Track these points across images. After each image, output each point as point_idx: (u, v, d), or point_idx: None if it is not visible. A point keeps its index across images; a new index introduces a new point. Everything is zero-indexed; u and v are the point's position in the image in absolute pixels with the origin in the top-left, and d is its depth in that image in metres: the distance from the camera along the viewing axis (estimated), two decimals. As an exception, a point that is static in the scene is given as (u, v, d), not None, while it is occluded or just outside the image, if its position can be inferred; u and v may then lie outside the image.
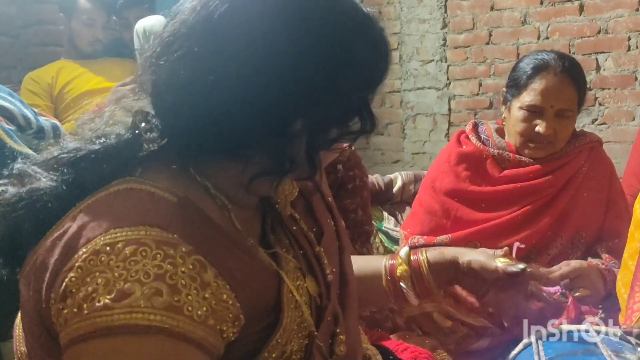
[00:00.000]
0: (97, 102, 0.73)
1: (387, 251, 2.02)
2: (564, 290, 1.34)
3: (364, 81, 0.70)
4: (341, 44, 0.66)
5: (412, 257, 0.95)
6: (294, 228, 0.80)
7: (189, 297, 0.59)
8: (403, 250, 0.96)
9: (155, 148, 0.67)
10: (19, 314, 0.69)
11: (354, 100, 0.69)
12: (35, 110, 1.48)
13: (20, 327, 0.69)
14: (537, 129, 1.48)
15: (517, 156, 1.56)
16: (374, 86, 0.73)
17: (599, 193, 1.54)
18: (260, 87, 0.63)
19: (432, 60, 3.32)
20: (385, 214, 2.18)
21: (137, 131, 0.68)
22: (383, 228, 2.08)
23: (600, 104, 2.82)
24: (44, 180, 0.67)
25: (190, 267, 0.60)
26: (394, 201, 2.24)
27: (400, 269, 0.95)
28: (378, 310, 1.38)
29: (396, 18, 3.42)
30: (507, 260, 0.91)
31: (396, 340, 1.28)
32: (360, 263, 0.98)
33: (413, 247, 1.60)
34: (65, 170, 0.67)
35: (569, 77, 1.47)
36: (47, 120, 1.44)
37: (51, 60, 2.54)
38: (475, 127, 1.65)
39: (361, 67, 0.68)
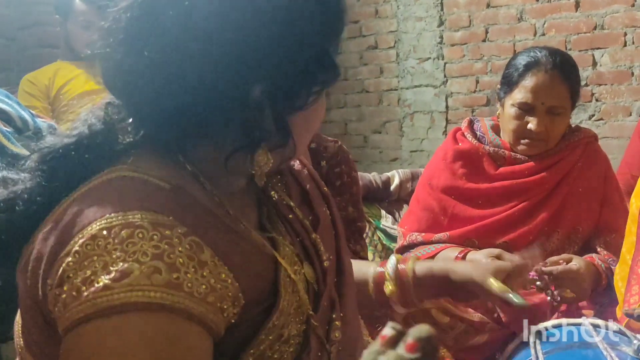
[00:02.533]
0: (94, 103, 0.74)
1: (385, 249, 2.03)
2: (539, 283, 1.34)
3: (317, 34, 0.66)
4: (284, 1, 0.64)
5: (399, 266, 0.94)
6: (290, 216, 0.80)
7: (188, 275, 0.60)
8: (391, 259, 0.95)
9: (133, 138, 0.68)
10: (18, 311, 0.70)
11: (310, 56, 0.66)
12: (33, 112, 1.49)
13: (20, 322, 0.69)
14: (529, 126, 1.49)
15: (513, 153, 1.57)
16: (330, 37, 0.69)
17: (594, 188, 1.54)
18: (207, 59, 0.62)
19: (429, 58, 3.32)
20: (383, 211, 2.18)
21: (109, 121, 0.69)
22: (381, 226, 2.09)
23: (597, 100, 2.83)
24: (24, 179, 0.67)
25: (187, 247, 0.61)
26: (391, 199, 2.24)
27: (387, 274, 0.94)
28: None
29: (393, 16, 3.42)
30: (502, 286, 0.87)
31: (395, 337, 1.28)
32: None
33: (406, 250, 1.62)
34: (44, 166, 0.67)
35: (560, 73, 1.47)
36: (44, 122, 1.44)
37: (48, 62, 2.54)
38: (471, 124, 1.66)
39: (311, 20, 0.66)
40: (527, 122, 1.50)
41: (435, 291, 0.96)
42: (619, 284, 1.23)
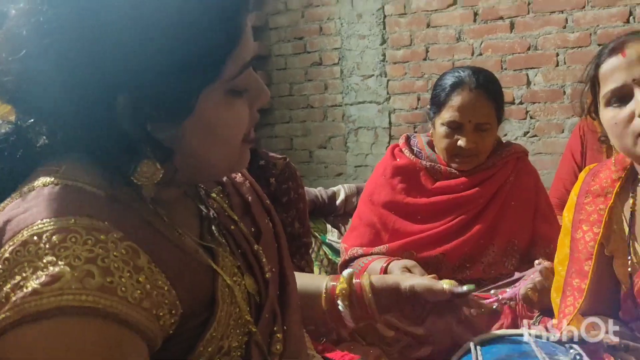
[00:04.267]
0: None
1: (331, 263, 2.04)
2: (496, 306, 1.39)
3: (191, 41, 0.63)
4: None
5: (354, 280, 0.96)
6: (232, 227, 0.80)
7: (122, 280, 0.58)
8: (346, 273, 0.97)
9: (50, 141, 0.67)
10: None
11: (184, 62, 0.63)
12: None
13: None
14: (459, 143, 1.56)
15: (448, 168, 1.63)
16: (212, 44, 0.64)
17: (526, 201, 1.61)
18: (75, 68, 0.62)
19: (373, 75, 3.38)
20: (329, 226, 2.20)
21: (20, 125, 0.67)
22: (327, 240, 2.11)
23: (531, 117, 2.95)
24: None
25: (123, 251, 0.60)
26: (337, 213, 2.27)
27: (340, 287, 0.95)
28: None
29: (337, 34, 3.47)
30: (452, 282, 0.93)
31: (341, 352, 1.29)
32: (302, 280, 0.98)
33: (347, 264, 1.64)
34: None
35: (483, 92, 1.53)
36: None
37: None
38: (408, 140, 1.72)
39: (184, 29, 0.62)
40: (457, 140, 1.56)
41: (387, 301, 0.98)
42: (553, 295, 1.28)
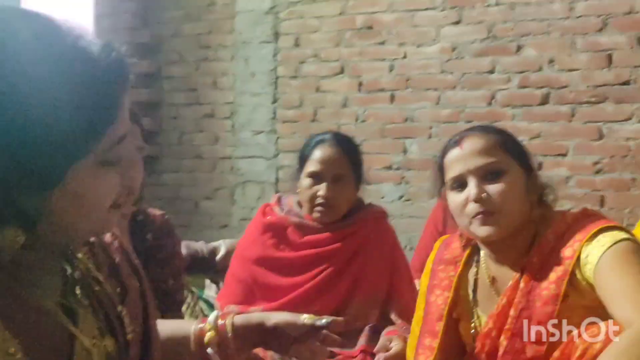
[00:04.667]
0: None
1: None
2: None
3: (52, 116, 0.63)
4: None
5: (219, 322, 0.99)
6: (97, 288, 0.81)
7: None
8: (212, 315, 1.01)
9: None
10: None
11: (46, 136, 0.63)
12: None
13: None
14: (319, 192, 1.73)
15: (314, 224, 1.77)
16: (79, 117, 0.65)
17: (384, 258, 1.78)
18: None
19: (263, 131, 3.49)
20: (207, 281, 2.20)
21: None
22: (204, 296, 2.11)
23: (406, 183, 3.18)
24: None
25: None
26: (217, 269, 2.27)
27: (209, 335, 0.99)
28: None
29: (230, 89, 3.56)
30: (312, 315, 1.00)
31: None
32: (171, 326, 1.00)
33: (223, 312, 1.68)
34: None
35: (341, 148, 1.77)
36: None
37: None
38: (279, 200, 1.86)
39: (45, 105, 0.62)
40: (318, 190, 1.73)
41: (251, 340, 1.01)
42: (408, 354, 1.39)
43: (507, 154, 1.24)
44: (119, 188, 0.75)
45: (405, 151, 3.18)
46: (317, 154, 1.75)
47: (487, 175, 1.23)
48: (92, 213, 0.72)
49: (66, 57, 0.66)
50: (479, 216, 1.21)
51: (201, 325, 1.00)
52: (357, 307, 1.72)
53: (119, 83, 0.71)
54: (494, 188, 1.21)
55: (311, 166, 1.74)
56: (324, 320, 0.99)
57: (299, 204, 1.82)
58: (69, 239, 0.75)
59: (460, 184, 1.25)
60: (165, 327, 0.94)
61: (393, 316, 1.72)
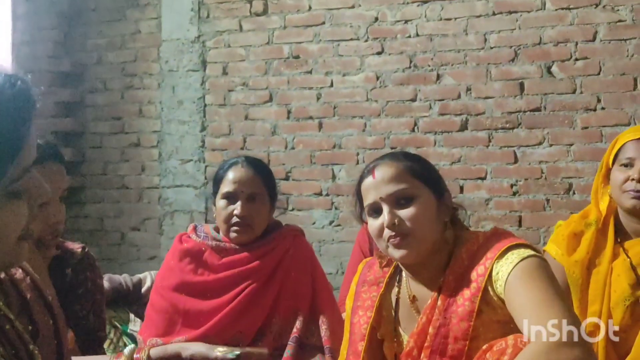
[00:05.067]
0: None
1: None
2: None
3: None
4: None
5: (135, 356, 0.97)
6: (7, 327, 0.78)
7: None
8: (127, 349, 0.98)
9: None
10: None
11: None
12: None
13: None
14: (234, 212, 1.75)
15: (232, 245, 1.79)
16: None
17: (304, 272, 1.81)
18: None
19: (191, 160, 3.45)
20: (132, 315, 2.14)
21: None
22: (128, 330, 2.04)
23: (336, 208, 3.23)
24: None
25: None
26: (142, 302, 2.21)
27: None
28: None
29: (157, 117, 3.51)
30: (225, 348, 1.00)
31: None
32: None
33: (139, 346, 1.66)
34: None
35: (253, 168, 1.81)
36: None
37: None
38: (195, 228, 1.86)
39: None
40: (233, 209, 1.75)
41: None
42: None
43: (417, 180, 1.29)
44: (27, 219, 0.73)
45: (334, 177, 3.24)
46: (231, 175, 1.78)
47: (398, 201, 1.28)
48: (1, 244, 0.71)
49: None
50: (393, 240, 1.27)
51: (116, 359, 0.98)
52: (281, 323, 1.74)
53: (23, 114, 0.70)
54: (405, 213, 1.26)
55: (225, 187, 1.77)
56: (235, 352, 0.99)
57: (216, 230, 1.84)
58: None
59: (375, 210, 1.30)
60: None
61: (322, 334, 1.74)
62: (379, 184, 1.28)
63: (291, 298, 1.76)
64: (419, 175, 1.30)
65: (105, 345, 1.77)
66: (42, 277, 0.89)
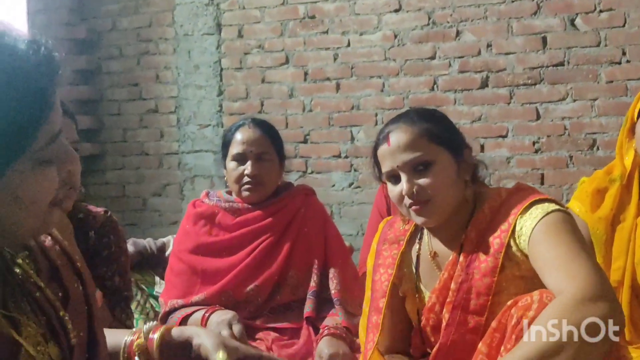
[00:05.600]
0: None
1: (158, 316, 2.01)
2: None
3: None
4: None
5: (150, 336, 0.97)
6: (37, 294, 0.79)
7: None
8: (146, 326, 0.98)
9: None
10: None
11: None
12: None
13: None
14: (245, 172, 1.79)
15: (245, 205, 1.82)
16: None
17: (317, 229, 1.85)
18: None
19: (209, 124, 3.45)
20: (157, 278, 2.18)
21: None
22: (154, 293, 2.08)
23: (355, 170, 3.22)
24: None
25: None
26: (166, 264, 2.24)
27: (137, 342, 0.96)
28: None
29: (173, 82, 3.50)
30: (226, 356, 0.95)
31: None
32: (109, 337, 0.98)
33: (168, 316, 1.69)
34: None
35: (260, 128, 1.84)
36: None
37: None
38: (207, 193, 1.92)
39: None
40: (244, 169, 1.79)
41: (175, 357, 0.97)
42: (361, 334, 1.42)
43: (433, 143, 1.27)
44: (58, 185, 0.74)
45: (352, 139, 3.21)
46: (239, 136, 1.81)
47: (416, 168, 1.26)
48: (33, 212, 0.72)
49: None
50: (414, 207, 1.26)
51: (131, 338, 0.98)
52: (297, 277, 1.78)
53: (49, 80, 0.70)
54: (424, 181, 1.25)
55: (234, 149, 1.81)
56: None
57: (228, 193, 1.88)
58: (11, 241, 0.75)
59: (393, 176, 1.28)
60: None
61: (332, 287, 1.78)
62: (394, 151, 1.26)
63: (305, 253, 1.80)
64: (436, 138, 1.27)
65: (133, 307, 1.82)
66: (70, 244, 0.90)
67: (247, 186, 1.79)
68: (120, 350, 0.96)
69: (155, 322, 0.99)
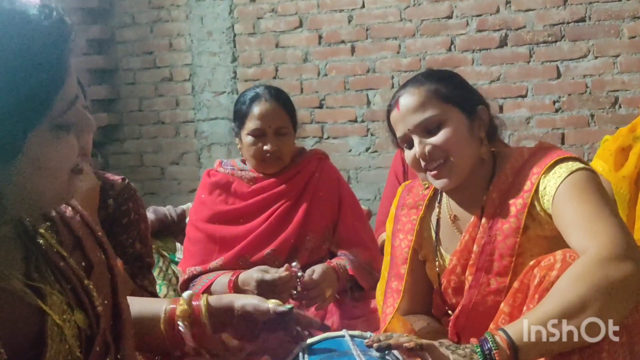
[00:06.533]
0: None
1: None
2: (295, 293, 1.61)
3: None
4: None
5: (193, 303, 0.99)
6: (61, 264, 0.80)
7: None
8: (186, 293, 1.01)
9: None
10: None
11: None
12: None
13: None
14: (264, 148, 1.77)
15: (259, 174, 1.83)
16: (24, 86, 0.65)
17: (331, 192, 1.86)
18: None
19: (224, 91, 3.43)
20: (178, 244, 2.20)
21: None
22: (176, 259, 2.10)
23: (372, 135, 3.19)
24: None
25: None
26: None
27: (181, 309, 0.98)
28: None
29: (187, 50, 3.47)
30: (277, 302, 1.01)
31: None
32: (141, 306, 1.00)
33: (188, 283, 1.72)
34: None
35: (277, 101, 1.79)
36: None
37: None
38: (221, 162, 1.92)
39: None
40: (262, 146, 1.76)
41: (222, 320, 1.01)
42: (379, 298, 1.42)
43: (443, 102, 1.24)
44: (77, 152, 0.74)
45: (368, 103, 3.18)
46: (256, 110, 1.76)
47: (427, 129, 1.24)
48: (54, 179, 0.72)
49: (3, 22, 0.64)
50: (431, 172, 1.25)
51: (173, 305, 1.00)
52: (314, 240, 1.79)
53: (62, 44, 0.69)
54: (436, 139, 1.23)
55: (252, 124, 1.77)
56: (287, 306, 0.99)
57: (242, 162, 1.87)
58: (34, 208, 0.75)
59: (407, 141, 1.27)
60: (134, 306, 0.94)
61: (334, 245, 1.81)
62: (404, 115, 1.25)
63: (321, 216, 1.81)
64: (445, 97, 1.25)
65: (155, 273, 1.84)
66: (91, 214, 0.91)
67: (265, 162, 1.79)
68: (161, 318, 0.98)
69: (192, 291, 1.01)
